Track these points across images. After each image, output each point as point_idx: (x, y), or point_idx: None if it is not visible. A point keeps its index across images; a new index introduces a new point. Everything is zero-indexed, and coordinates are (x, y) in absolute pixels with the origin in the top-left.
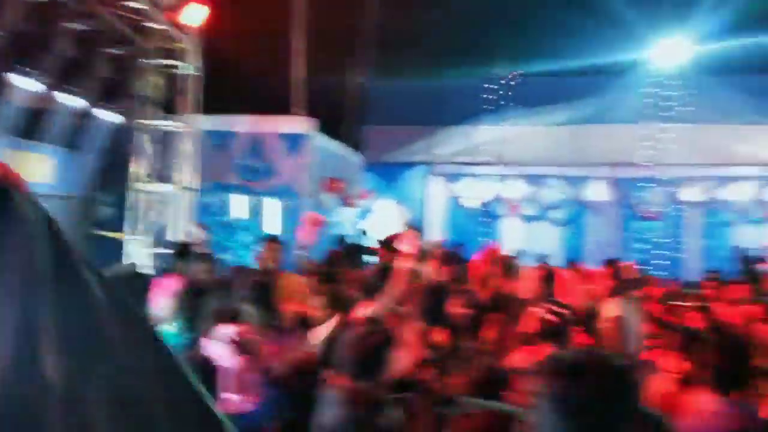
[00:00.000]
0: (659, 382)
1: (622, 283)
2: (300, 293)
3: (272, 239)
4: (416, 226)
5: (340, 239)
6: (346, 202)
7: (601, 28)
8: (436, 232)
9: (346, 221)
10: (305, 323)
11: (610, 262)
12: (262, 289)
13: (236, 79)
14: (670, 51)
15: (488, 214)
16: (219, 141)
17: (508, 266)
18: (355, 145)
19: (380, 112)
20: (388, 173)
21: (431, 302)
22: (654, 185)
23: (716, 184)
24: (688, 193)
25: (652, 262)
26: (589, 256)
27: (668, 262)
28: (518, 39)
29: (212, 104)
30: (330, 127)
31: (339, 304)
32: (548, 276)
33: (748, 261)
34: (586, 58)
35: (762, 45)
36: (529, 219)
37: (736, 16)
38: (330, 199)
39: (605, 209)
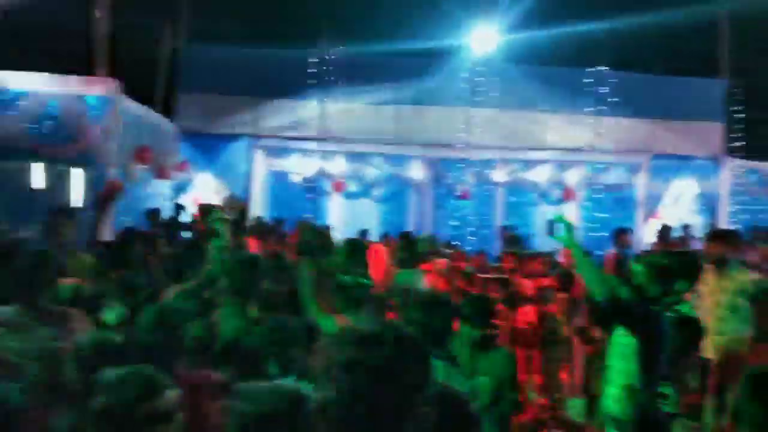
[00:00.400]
0: None
1: (412, 256)
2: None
3: (62, 212)
4: (238, 201)
5: (152, 213)
6: (159, 173)
7: (423, 12)
8: (260, 207)
9: (159, 194)
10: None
11: (403, 235)
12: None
13: (29, 34)
14: (483, 38)
15: (312, 190)
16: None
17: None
18: (168, 112)
19: (197, 79)
20: (206, 144)
21: (245, 276)
22: (466, 166)
23: (520, 166)
24: (496, 175)
25: (466, 238)
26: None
27: (475, 238)
28: (345, 15)
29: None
30: (141, 93)
31: (127, 292)
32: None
33: (513, 239)
34: (410, 40)
35: (559, 38)
36: (352, 196)
37: (538, 9)
38: (140, 169)
39: (424, 188)
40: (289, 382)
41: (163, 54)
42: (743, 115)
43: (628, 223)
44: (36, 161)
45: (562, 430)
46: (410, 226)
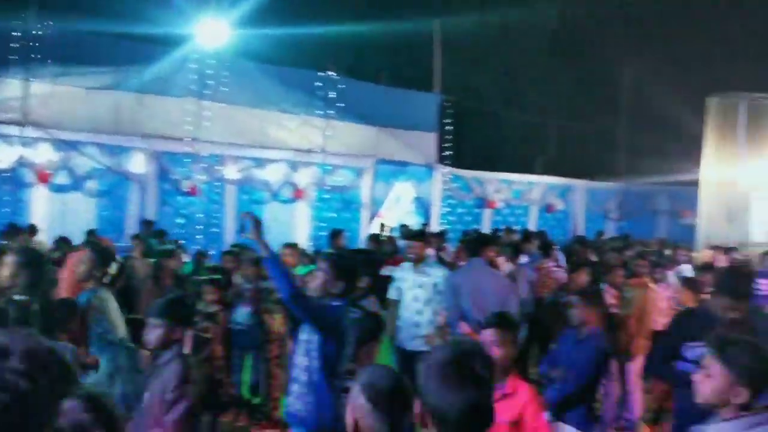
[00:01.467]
0: None
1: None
2: None
3: None
4: None
5: None
6: None
7: None
8: None
9: None
10: None
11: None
12: None
13: None
14: (214, 30)
15: (12, 181)
16: None
17: None
18: None
19: None
20: None
21: None
22: (194, 161)
23: (252, 164)
24: (227, 171)
25: (193, 236)
26: (128, 229)
27: (202, 236)
28: None
29: None
30: None
31: None
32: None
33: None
34: (135, 23)
35: (291, 39)
36: (61, 189)
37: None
38: None
39: (146, 182)
40: None
41: None
42: (452, 127)
43: (354, 223)
44: None
45: (276, 429)
46: (131, 223)
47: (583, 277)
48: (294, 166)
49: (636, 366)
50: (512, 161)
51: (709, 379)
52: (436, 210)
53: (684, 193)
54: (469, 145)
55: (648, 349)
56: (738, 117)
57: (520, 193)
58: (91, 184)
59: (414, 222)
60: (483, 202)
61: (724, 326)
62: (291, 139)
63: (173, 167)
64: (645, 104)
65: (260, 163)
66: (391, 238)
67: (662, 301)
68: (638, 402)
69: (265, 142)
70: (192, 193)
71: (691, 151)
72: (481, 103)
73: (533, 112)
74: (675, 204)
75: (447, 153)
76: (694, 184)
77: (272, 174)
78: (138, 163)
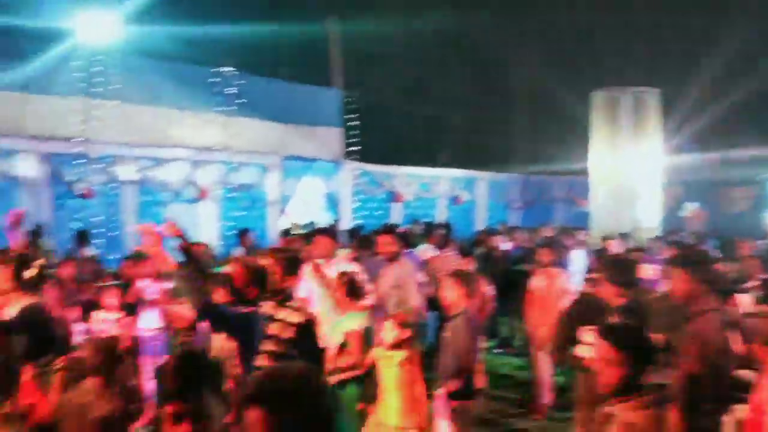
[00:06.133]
0: None
1: None
2: None
3: None
4: None
5: None
6: None
7: None
8: None
9: None
10: None
11: None
12: None
13: None
14: (99, 25)
15: None
16: None
17: None
18: None
19: None
20: None
21: None
22: (88, 162)
23: (150, 164)
24: (123, 172)
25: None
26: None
27: (102, 240)
28: None
29: None
30: None
31: None
32: None
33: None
34: (10, 16)
35: (184, 35)
36: None
37: (164, 3)
38: None
39: (37, 186)
40: None
41: None
42: (358, 122)
43: (262, 221)
44: None
45: None
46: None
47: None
48: (195, 164)
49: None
50: (418, 155)
51: (602, 362)
52: (347, 206)
53: (579, 182)
54: (375, 140)
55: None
56: (621, 109)
57: (428, 186)
58: None
59: (325, 218)
60: (392, 196)
61: (615, 312)
62: (191, 137)
63: (65, 169)
64: (541, 98)
65: (159, 162)
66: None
67: (564, 287)
68: (548, 386)
69: (164, 141)
70: (87, 195)
71: (584, 141)
72: (383, 97)
73: (436, 106)
74: (571, 192)
75: (353, 148)
76: (587, 173)
77: (173, 174)
78: (28, 167)
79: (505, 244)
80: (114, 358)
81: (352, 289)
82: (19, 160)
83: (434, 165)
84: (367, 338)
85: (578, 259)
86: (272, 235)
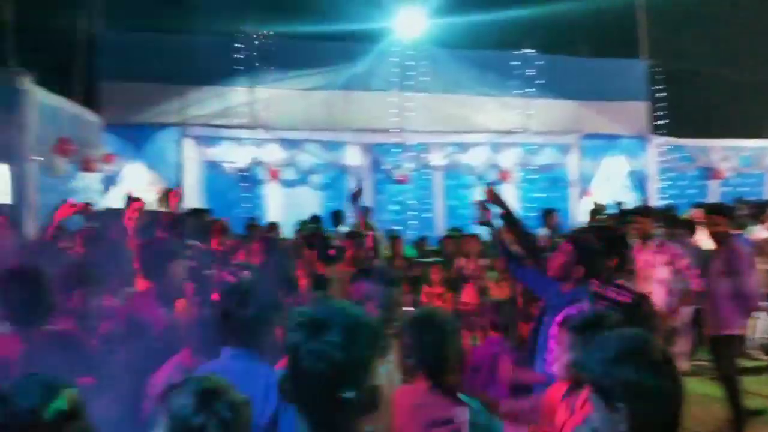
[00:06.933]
0: None
1: None
2: None
3: None
4: (176, 190)
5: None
6: (84, 166)
7: None
8: (195, 198)
9: (87, 188)
10: None
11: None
12: None
13: None
14: (410, 22)
15: (248, 179)
16: None
17: None
18: (90, 103)
19: (118, 68)
20: (133, 135)
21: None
22: (403, 151)
23: (456, 149)
24: (433, 158)
25: (407, 222)
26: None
27: (416, 222)
28: None
29: None
30: (59, 85)
31: None
32: None
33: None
34: (337, 24)
35: (484, 22)
36: (289, 184)
37: None
38: (63, 163)
39: (362, 173)
40: None
41: (80, 43)
42: (665, 94)
43: (563, 202)
44: None
45: None
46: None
47: None
48: (496, 148)
49: None
50: (738, 126)
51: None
52: (654, 184)
53: None
54: (686, 112)
55: None
56: None
57: (751, 160)
58: (315, 178)
59: (631, 198)
60: (708, 173)
61: None
62: (491, 121)
63: (384, 158)
64: None
65: (463, 148)
66: (611, 216)
67: None
68: None
69: (467, 127)
70: (403, 181)
71: None
72: (695, 64)
73: (757, 70)
74: None
75: (661, 122)
76: None
77: (476, 158)
78: (352, 156)
79: None
80: None
81: None
82: (346, 151)
83: (759, 136)
84: None
85: None
86: (574, 216)
